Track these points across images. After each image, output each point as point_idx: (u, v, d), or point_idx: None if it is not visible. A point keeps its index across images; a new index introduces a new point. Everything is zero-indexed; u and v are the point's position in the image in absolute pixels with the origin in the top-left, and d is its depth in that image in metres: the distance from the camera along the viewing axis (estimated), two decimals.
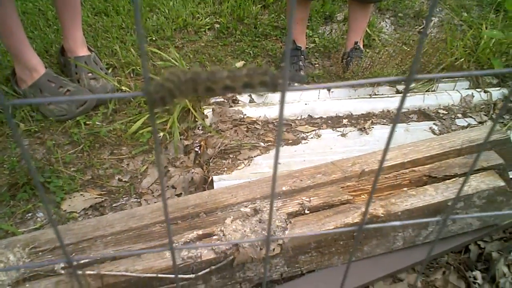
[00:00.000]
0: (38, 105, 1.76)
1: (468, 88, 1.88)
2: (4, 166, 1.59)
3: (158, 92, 0.33)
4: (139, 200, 1.50)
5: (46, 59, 2.03)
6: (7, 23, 1.63)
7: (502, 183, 1.15)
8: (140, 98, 1.78)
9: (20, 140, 0.36)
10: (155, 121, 0.37)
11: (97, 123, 1.73)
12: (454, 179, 1.18)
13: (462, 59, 1.97)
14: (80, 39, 1.88)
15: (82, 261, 1.06)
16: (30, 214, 1.48)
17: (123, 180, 1.57)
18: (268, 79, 0.35)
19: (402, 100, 0.36)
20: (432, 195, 1.13)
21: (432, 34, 2.40)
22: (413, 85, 1.87)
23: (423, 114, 1.76)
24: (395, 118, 0.37)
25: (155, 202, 1.45)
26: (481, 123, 1.70)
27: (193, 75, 0.34)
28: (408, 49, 2.06)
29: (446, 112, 1.74)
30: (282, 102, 0.36)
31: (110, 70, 1.98)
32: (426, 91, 1.84)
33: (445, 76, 0.40)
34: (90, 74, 1.84)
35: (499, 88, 1.88)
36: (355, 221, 1.10)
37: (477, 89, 1.85)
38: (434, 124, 1.68)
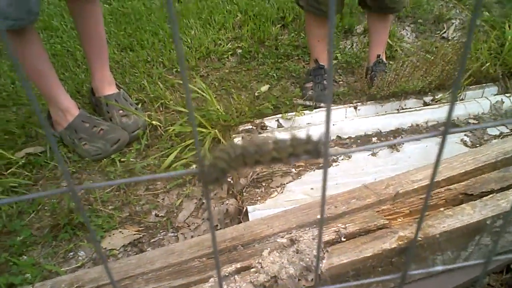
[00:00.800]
0: (74, 147, 1.82)
1: (496, 94, 1.85)
2: (45, 208, 1.65)
3: (212, 173, 0.36)
4: (176, 234, 1.53)
5: (78, 99, 2.10)
6: (38, 64, 1.70)
7: None
8: (171, 131, 1.82)
9: (70, 180, 0.39)
10: (209, 195, 0.39)
11: (131, 159, 1.78)
12: (491, 195, 1.17)
13: (488, 64, 1.94)
14: (107, 77, 1.94)
15: None
16: (72, 254, 1.52)
17: (160, 215, 1.60)
18: (311, 148, 0.37)
19: (449, 115, 0.37)
20: (470, 214, 1.12)
21: (455, 39, 2.37)
22: (440, 95, 1.86)
23: (453, 126, 1.74)
24: (444, 131, 0.38)
25: (192, 236, 1.47)
26: None
27: (243, 150, 0.36)
28: (432, 58, 2.04)
29: (477, 122, 1.72)
30: (325, 168, 0.37)
31: (140, 105, 2.03)
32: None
33: (480, 127, 0.41)
34: (121, 112, 1.89)
35: None
36: (392, 246, 1.10)
37: (506, 94, 1.82)
38: (465, 135, 1.66)
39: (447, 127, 0.39)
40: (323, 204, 0.41)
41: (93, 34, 1.84)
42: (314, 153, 0.37)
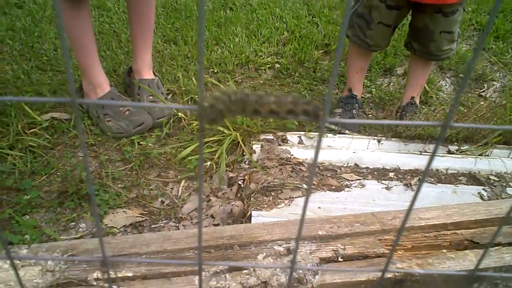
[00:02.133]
0: (98, 121, 1.85)
1: None
2: (58, 173, 1.68)
3: (210, 113, 0.36)
4: (177, 224, 1.54)
5: (113, 78, 2.15)
6: (82, 38, 1.75)
7: None
8: (194, 126, 1.84)
9: (86, 151, 0.40)
10: (203, 140, 0.40)
11: (150, 144, 1.80)
12: (497, 247, 1.14)
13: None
14: (148, 62, 1.98)
15: (119, 275, 1.09)
16: (73, 223, 1.54)
17: (166, 203, 1.61)
18: (310, 109, 0.38)
19: (435, 150, 0.37)
20: (472, 260, 1.10)
21: (492, 99, 2.35)
22: (466, 147, 1.84)
23: (473, 178, 1.72)
24: (424, 174, 0.38)
25: (192, 229, 1.47)
26: None
27: (243, 96, 0.37)
28: (465, 110, 2.03)
29: (498, 179, 1.69)
30: (320, 134, 0.38)
31: (170, 96, 2.07)
32: (479, 155, 1.80)
33: (479, 127, 0.41)
34: (151, 97, 1.93)
35: None
36: (388, 275, 1.08)
37: None
38: (483, 189, 1.64)
39: (448, 119, 0.39)
40: (314, 169, 0.41)
41: (143, 19, 1.89)
42: (312, 115, 0.38)
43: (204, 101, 0.36)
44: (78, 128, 0.36)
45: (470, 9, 3.06)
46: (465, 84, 0.35)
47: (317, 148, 0.38)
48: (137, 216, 1.56)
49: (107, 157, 1.75)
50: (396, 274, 1.08)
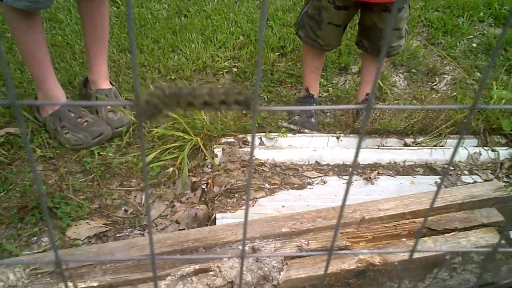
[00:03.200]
0: (56, 134, 1.82)
1: (476, 146, 1.90)
2: (17, 189, 1.64)
3: (147, 109, 0.37)
4: (142, 232, 1.53)
5: (69, 90, 2.11)
6: (35, 51, 1.72)
7: (502, 241, 1.15)
8: (154, 133, 1.83)
9: (34, 165, 0.40)
10: (143, 132, 0.41)
11: (110, 154, 1.78)
12: (453, 233, 1.19)
13: (471, 117, 2.00)
14: (104, 72, 1.96)
15: (84, 285, 1.08)
16: (35, 238, 1.51)
17: (129, 211, 1.60)
18: (242, 99, 0.39)
19: (361, 135, 0.39)
20: (431, 247, 1.14)
21: (443, 91, 2.44)
22: (421, 139, 1.90)
23: (429, 168, 1.78)
24: (352, 167, 0.40)
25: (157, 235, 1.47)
26: (487, 181, 1.71)
27: (176, 89, 0.38)
28: (418, 104, 2.10)
29: (453, 168, 1.76)
30: (254, 123, 0.39)
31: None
32: (434, 146, 1.87)
33: (402, 108, 0.43)
34: (108, 107, 1.91)
35: (507, 148, 1.89)
36: (351, 267, 1.11)
37: (484, 148, 1.87)
38: (440, 179, 1.70)
39: (370, 101, 0.42)
40: (252, 153, 0.43)
41: (97, 29, 1.87)
42: (244, 104, 0.39)
43: (141, 96, 0.38)
44: (22, 130, 0.37)
45: (418, 6, 3.16)
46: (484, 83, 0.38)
47: (252, 139, 0.39)
48: (101, 227, 1.55)
49: (67, 169, 1.72)
50: (359, 265, 1.11)
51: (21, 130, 0.36)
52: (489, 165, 1.80)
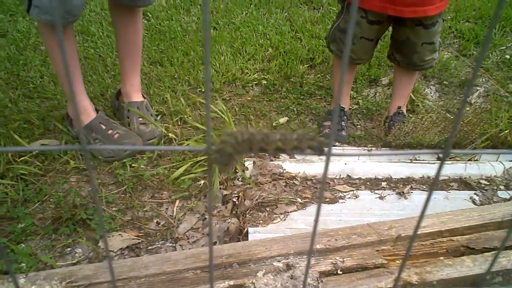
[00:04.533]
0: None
1: (511, 160, 1.86)
2: (51, 200, 1.67)
3: (219, 158, 0.37)
4: (174, 245, 1.53)
5: (101, 102, 2.15)
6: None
7: None
8: (185, 145, 1.84)
9: (94, 182, 0.40)
10: (212, 178, 0.41)
11: (142, 166, 1.80)
12: (494, 252, 1.16)
13: (507, 131, 1.95)
14: (137, 85, 1.99)
15: None
16: (69, 249, 1.53)
17: (161, 224, 1.61)
18: (315, 144, 0.39)
19: (438, 173, 0.39)
20: (470, 266, 1.11)
21: (477, 104, 2.40)
22: (456, 153, 1.87)
23: (464, 183, 1.75)
24: (431, 186, 0.39)
25: (189, 248, 1.47)
26: None
27: (250, 136, 0.38)
28: (452, 117, 2.07)
29: (488, 183, 1.72)
30: (326, 166, 0.39)
31: (159, 117, 2.07)
32: (468, 160, 1.83)
33: (480, 152, 0.42)
34: (140, 119, 1.93)
35: None
36: (388, 286, 1.09)
37: None
38: (475, 194, 1.66)
39: (447, 147, 0.41)
40: (321, 197, 0.42)
41: (131, 42, 1.90)
42: (317, 149, 0.39)
43: (212, 145, 0.37)
44: (91, 176, 0.37)
45: (449, 17, 3.12)
46: (463, 108, 0.37)
47: (324, 177, 0.39)
48: (133, 239, 1.56)
49: (99, 181, 1.75)
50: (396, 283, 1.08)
51: (89, 174, 0.36)
52: None
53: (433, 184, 0.40)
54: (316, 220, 0.44)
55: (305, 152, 0.39)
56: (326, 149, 0.38)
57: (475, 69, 0.37)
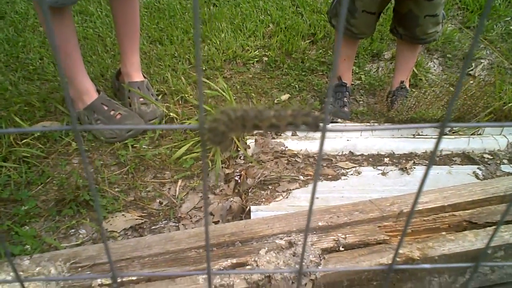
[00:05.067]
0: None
1: None
2: (54, 182, 1.67)
3: (213, 137, 0.36)
4: (177, 224, 1.54)
5: (102, 82, 2.14)
6: (65, 45, 1.73)
7: None
8: (187, 124, 1.84)
9: (86, 164, 0.40)
10: (206, 154, 0.40)
11: (143, 146, 1.80)
12: (495, 226, 1.15)
13: (511, 104, 1.93)
14: (137, 64, 1.97)
15: (124, 279, 1.10)
16: (73, 230, 1.54)
17: (164, 203, 1.61)
18: (310, 120, 0.38)
19: (435, 147, 0.38)
20: (472, 241, 1.11)
21: (481, 77, 2.37)
22: (457, 127, 1.85)
23: (467, 158, 1.74)
24: (430, 160, 0.38)
25: (192, 228, 1.48)
26: None
27: (243, 113, 0.37)
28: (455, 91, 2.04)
29: (491, 157, 1.71)
30: (321, 142, 0.38)
31: (160, 97, 2.06)
32: (471, 134, 1.81)
33: (479, 126, 0.41)
34: (141, 99, 1.92)
35: None
36: (389, 262, 1.09)
37: None
38: (478, 168, 1.65)
39: (445, 120, 0.40)
40: (314, 188, 0.42)
41: (129, 21, 1.87)
42: (312, 125, 0.38)
43: (206, 121, 0.37)
44: (82, 155, 0.36)
45: None
46: (461, 81, 0.36)
47: (320, 153, 0.38)
48: (137, 219, 1.56)
49: (102, 162, 1.75)
50: (397, 259, 1.09)
51: (82, 159, 0.36)
52: None
53: (431, 159, 0.39)
54: (313, 197, 0.43)
55: (300, 129, 0.38)
56: (321, 124, 0.38)
57: (474, 41, 0.36)
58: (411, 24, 1.86)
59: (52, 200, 1.61)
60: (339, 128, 0.39)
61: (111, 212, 1.58)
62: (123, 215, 1.57)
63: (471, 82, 2.23)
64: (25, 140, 1.77)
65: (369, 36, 2.12)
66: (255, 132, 1.78)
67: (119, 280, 1.10)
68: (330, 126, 1.86)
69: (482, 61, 2.52)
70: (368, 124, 1.89)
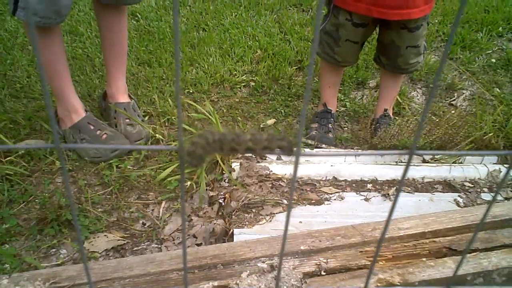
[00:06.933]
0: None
1: (495, 163, 1.88)
2: (36, 200, 1.66)
3: (190, 155, 0.38)
4: (160, 246, 1.53)
5: (88, 102, 2.14)
6: (55, 64, 1.74)
7: None
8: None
9: (68, 184, 0.41)
10: (184, 177, 0.41)
11: (128, 167, 1.80)
12: (475, 253, 1.17)
13: (491, 134, 1.98)
14: (122, 86, 1.99)
15: None
16: (54, 250, 1.52)
17: (147, 225, 1.61)
18: (285, 144, 0.40)
19: (405, 173, 0.39)
20: (451, 268, 1.13)
21: (463, 107, 2.42)
22: (439, 156, 1.89)
23: (448, 185, 1.76)
24: (399, 187, 0.40)
25: (175, 250, 1.47)
26: (507, 199, 1.69)
27: (220, 136, 0.39)
28: (437, 120, 2.09)
29: (472, 185, 1.74)
30: (295, 165, 0.39)
31: (146, 118, 2.07)
32: (452, 163, 1.85)
33: (448, 154, 0.43)
34: (127, 120, 1.93)
35: None
36: (370, 287, 1.10)
37: (504, 165, 1.85)
38: (459, 196, 1.68)
39: (413, 146, 0.42)
40: (292, 193, 0.43)
41: (116, 43, 1.89)
42: (286, 150, 0.40)
43: (185, 143, 0.38)
44: (64, 174, 0.37)
45: (436, 20, 3.15)
46: (428, 107, 0.38)
47: (294, 177, 0.39)
48: (119, 240, 1.55)
49: (85, 181, 1.74)
50: (378, 284, 1.10)
51: (64, 177, 0.37)
52: (509, 182, 1.77)
53: (400, 185, 0.41)
54: (287, 220, 0.45)
55: (275, 152, 0.39)
56: (295, 149, 0.39)
57: (443, 56, 0.38)
58: (393, 54, 1.91)
59: (33, 219, 1.60)
60: (311, 152, 0.41)
61: (93, 232, 1.57)
62: (105, 235, 1.56)
63: (453, 112, 2.28)
64: (8, 158, 1.76)
65: (352, 64, 2.16)
66: (239, 155, 1.79)
67: None
68: (309, 151, 1.89)
69: (464, 91, 2.58)
70: (352, 150, 1.92)
